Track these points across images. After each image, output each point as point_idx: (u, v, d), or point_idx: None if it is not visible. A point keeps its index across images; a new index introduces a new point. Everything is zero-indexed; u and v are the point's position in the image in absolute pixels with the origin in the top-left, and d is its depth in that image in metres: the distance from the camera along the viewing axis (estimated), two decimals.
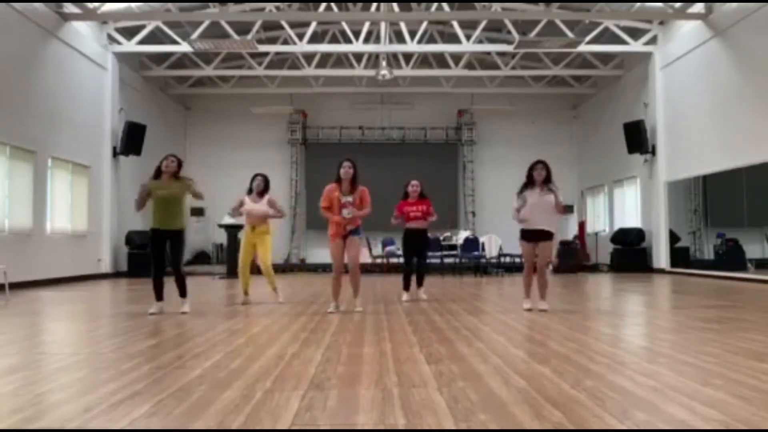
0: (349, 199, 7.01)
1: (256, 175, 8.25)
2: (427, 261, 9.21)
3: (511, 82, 19.58)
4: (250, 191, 8.17)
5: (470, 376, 3.61)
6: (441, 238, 15.37)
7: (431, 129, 20.83)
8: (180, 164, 7.12)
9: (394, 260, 15.63)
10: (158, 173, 7.05)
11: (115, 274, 15.00)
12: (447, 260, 15.56)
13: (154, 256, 7.06)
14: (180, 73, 18.27)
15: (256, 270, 8.37)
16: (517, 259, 16.06)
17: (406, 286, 8.56)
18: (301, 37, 15.53)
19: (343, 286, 7.26)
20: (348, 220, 7.00)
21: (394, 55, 17.79)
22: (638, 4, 14.61)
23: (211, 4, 15.23)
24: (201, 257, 19.74)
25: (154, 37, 15.48)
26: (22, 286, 10.82)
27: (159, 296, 7.03)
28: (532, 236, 7.03)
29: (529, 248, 7.10)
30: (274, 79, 19.07)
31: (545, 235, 7.01)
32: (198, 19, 14.80)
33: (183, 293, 7.18)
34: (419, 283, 8.75)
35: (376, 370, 3.79)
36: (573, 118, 21.15)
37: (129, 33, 15.48)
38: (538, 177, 6.98)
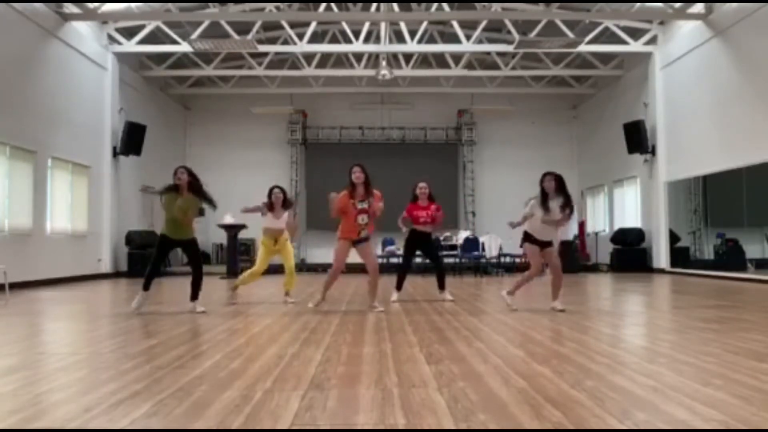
0: (365, 205, 6.97)
1: (273, 188, 8.23)
2: (442, 260, 9.04)
3: (511, 82, 19.58)
4: (270, 206, 8.12)
5: (470, 376, 3.61)
6: (441, 238, 15.37)
7: (431, 129, 20.83)
8: (191, 176, 7.11)
9: (394, 260, 15.62)
10: (176, 187, 7.06)
11: (115, 274, 15.00)
12: (447, 260, 15.57)
13: (157, 260, 7.21)
14: (180, 73, 18.27)
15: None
16: (517, 259, 16.11)
17: (399, 286, 8.50)
18: (301, 37, 15.53)
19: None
20: (363, 226, 6.99)
21: (394, 55, 17.79)
22: (638, 4, 14.60)
23: (211, 4, 15.23)
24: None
25: (154, 37, 15.48)
26: (22, 286, 10.82)
27: (147, 286, 7.09)
28: (538, 242, 7.08)
29: (537, 251, 7.09)
30: (274, 79, 19.07)
31: (548, 243, 7.12)
32: (198, 19, 14.80)
33: (196, 296, 7.24)
34: (441, 286, 8.51)
35: (376, 370, 3.79)
36: (573, 118, 21.15)
37: (129, 33, 15.48)
38: (548, 188, 6.96)
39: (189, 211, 7.04)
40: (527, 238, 7.12)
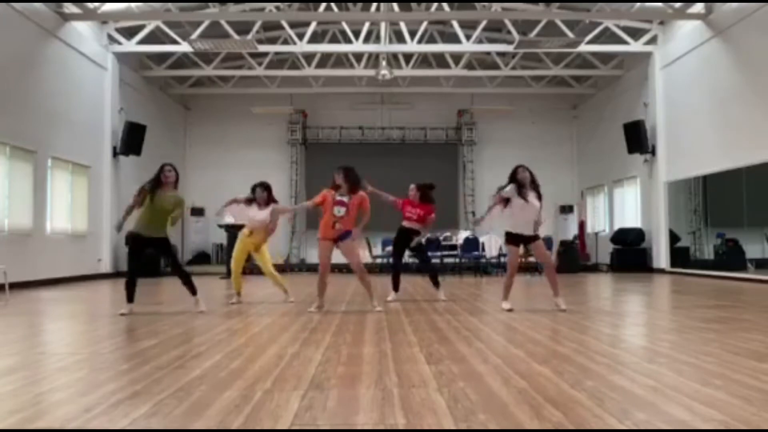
0: (345, 198, 6.99)
1: (258, 185, 8.20)
2: (431, 260, 9.11)
3: (511, 82, 19.58)
4: (250, 201, 8.12)
5: (470, 376, 3.61)
6: (441, 237, 15.37)
7: (431, 129, 20.83)
8: (177, 175, 7.21)
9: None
10: (158, 183, 7.06)
11: (115, 274, 14.99)
12: (447, 260, 15.57)
13: (133, 261, 7.13)
14: (180, 73, 18.27)
15: (248, 271, 8.41)
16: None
17: (395, 286, 8.48)
18: (301, 37, 15.53)
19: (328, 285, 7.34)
20: (337, 218, 6.96)
21: (394, 55, 17.79)
22: (638, 4, 14.61)
23: (211, 4, 15.23)
24: (201, 257, 19.73)
25: (154, 37, 15.48)
26: (22, 286, 10.82)
27: (130, 298, 6.99)
28: (517, 239, 7.02)
29: (515, 251, 7.08)
30: (274, 79, 19.07)
31: (533, 238, 7.04)
32: (198, 19, 14.80)
33: (193, 291, 7.23)
34: (435, 284, 8.55)
35: (376, 370, 3.79)
36: (573, 118, 21.16)
37: (129, 33, 15.48)
38: (522, 180, 6.97)
39: (175, 207, 7.02)
40: (508, 238, 7.06)
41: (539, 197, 7.03)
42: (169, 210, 6.98)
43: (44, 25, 12.56)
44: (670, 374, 3.64)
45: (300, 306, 7.73)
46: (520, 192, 6.92)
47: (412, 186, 8.56)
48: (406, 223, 8.44)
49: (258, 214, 8.05)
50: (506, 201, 6.97)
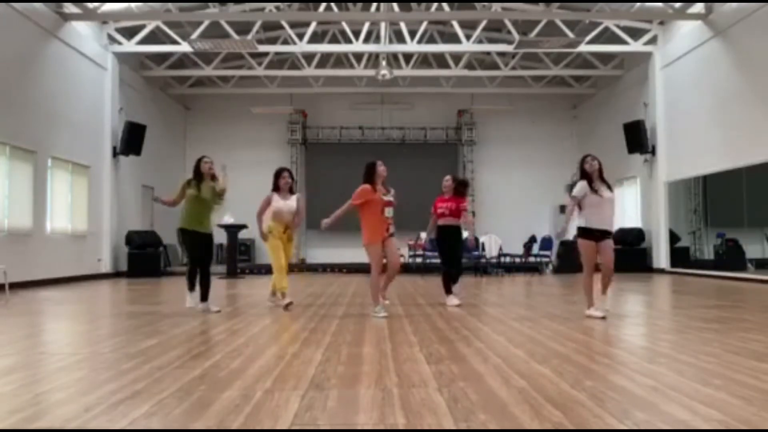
0: (390, 198, 6.93)
1: (282, 171, 7.63)
2: (461, 262, 8.42)
3: (511, 82, 19.58)
4: (275, 189, 7.54)
5: (470, 376, 3.61)
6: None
7: (431, 129, 20.84)
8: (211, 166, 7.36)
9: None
10: (198, 176, 7.20)
11: (115, 274, 15.00)
12: None
13: (195, 253, 7.29)
14: (180, 73, 18.26)
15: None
16: (517, 259, 16.11)
17: (448, 289, 7.97)
18: (301, 37, 15.53)
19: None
20: (389, 219, 6.88)
21: (394, 55, 17.79)
22: (638, 4, 14.61)
23: (211, 4, 15.23)
24: None
25: (154, 37, 15.48)
26: (22, 286, 10.82)
27: (193, 287, 7.28)
28: (593, 235, 6.47)
29: (591, 247, 6.49)
30: (274, 79, 19.07)
31: (607, 234, 6.51)
32: (198, 19, 14.80)
33: (205, 297, 7.28)
34: (447, 288, 8.01)
35: (376, 370, 3.79)
36: (573, 118, 21.15)
37: (129, 33, 15.48)
38: (590, 169, 6.47)
39: (215, 197, 7.21)
40: (581, 232, 6.53)
41: (610, 188, 6.55)
42: (211, 199, 7.20)
43: (44, 25, 12.55)
44: (671, 374, 3.64)
45: (300, 306, 7.73)
46: (591, 187, 6.41)
47: (447, 177, 8.34)
48: (442, 221, 8.02)
49: (286, 205, 7.47)
50: (581, 201, 6.47)
